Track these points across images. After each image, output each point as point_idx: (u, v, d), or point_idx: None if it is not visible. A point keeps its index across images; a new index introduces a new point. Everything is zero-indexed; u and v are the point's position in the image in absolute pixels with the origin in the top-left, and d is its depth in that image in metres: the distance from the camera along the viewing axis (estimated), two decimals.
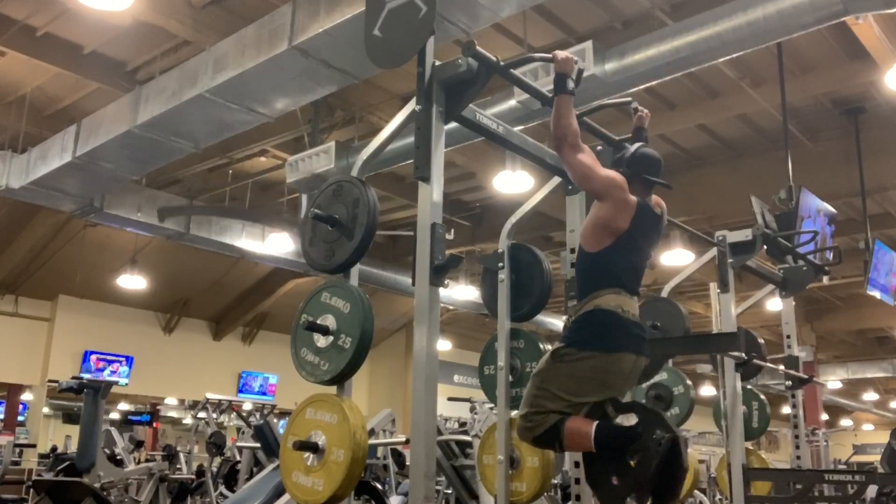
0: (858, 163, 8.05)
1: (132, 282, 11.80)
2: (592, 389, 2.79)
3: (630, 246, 2.90)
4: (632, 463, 2.65)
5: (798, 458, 5.01)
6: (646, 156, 3.00)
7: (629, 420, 2.84)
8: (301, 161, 7.59)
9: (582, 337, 2.81)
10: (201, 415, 8.86)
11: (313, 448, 2.49)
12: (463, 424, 6.16)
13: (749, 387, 5.24)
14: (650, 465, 2.55)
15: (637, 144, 3.07)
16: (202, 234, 9.88)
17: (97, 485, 5.67)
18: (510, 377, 3.46)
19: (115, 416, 13.86)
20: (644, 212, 2.91)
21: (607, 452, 2.70)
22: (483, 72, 2.71)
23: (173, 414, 19.17)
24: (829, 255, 5.49)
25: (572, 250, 3.48)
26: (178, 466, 8.47)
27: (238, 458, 8.07)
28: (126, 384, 13.72)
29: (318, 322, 2.62)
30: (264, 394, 15.51)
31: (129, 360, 13.85)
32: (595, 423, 2.71)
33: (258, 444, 6.51)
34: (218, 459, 8.44)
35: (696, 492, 6.58)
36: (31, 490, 6.65)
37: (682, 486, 2.71)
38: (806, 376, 5.22)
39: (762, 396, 5.31)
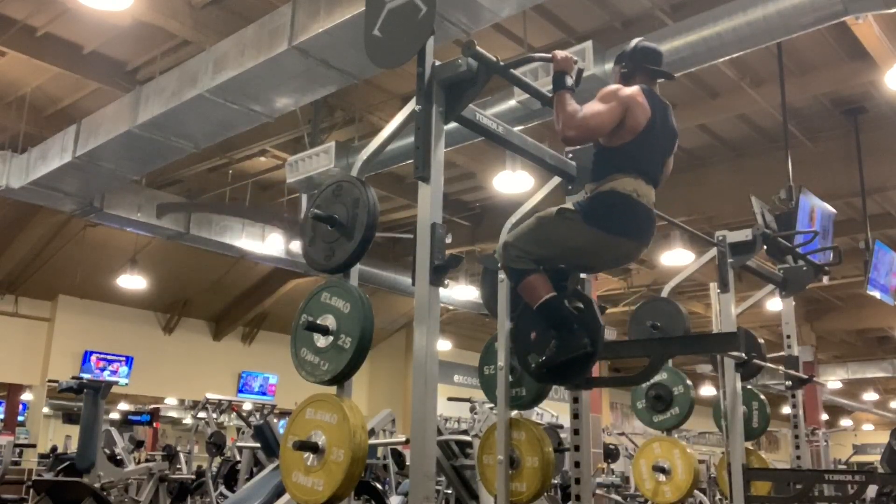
0: (858, 163, 8.05)
1: (132, 282, 11.80)
2: (579, 257, 2.99)
3: (650, 139, 2.93)
4: (552, 341, 2.92)
5: (798, 458, 5.00)
6: (648, 47, 3.09)
7: (575, 306, 3.02)
8: (301, 161, 7.60)
9: (592, 212, 2.88)
10: (201, 415, 8.85)
11: (313, 448, 2.49)
12: (464, 432, 6.15)
13: (749, 387, 5.23)
14: (559, 355, 2.88)
15: (637, 39, 3.15)
16: (202, 234, 9.89)
17: (97, 485, 5.67)
18: (510, 377, 3.46)
19: (115, 416, 13.86)
20: (656, 103, 2.95)
21: (542, 318, 2.95)
22: (483, 72, 2.70)
23: (173, 414, 19.16)
24: (829, 255, 5.49)
25: None
26: (178, 466, 8.47)
27: (238, 458, 8.07)
28: (126, 384, 13.72)
29: (318, 322, 2.61)
30: (264, 394, 15.51)
31: (129, 360, 13.85)
32: (551, 294, 2.89)
33: (258, 444, 6.51)
34: (218, 459, 8.44)
35: (696, 492, 6.58)
36: (31, 490, 6.64)
37: (572, 379, 3.13)
38: (806, 376, 5.22)
39: (762, 396, 5.31)
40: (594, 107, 2.85)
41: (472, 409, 6.86)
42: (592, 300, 3.10)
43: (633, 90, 2.91)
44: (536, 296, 2.90)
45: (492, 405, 4.25)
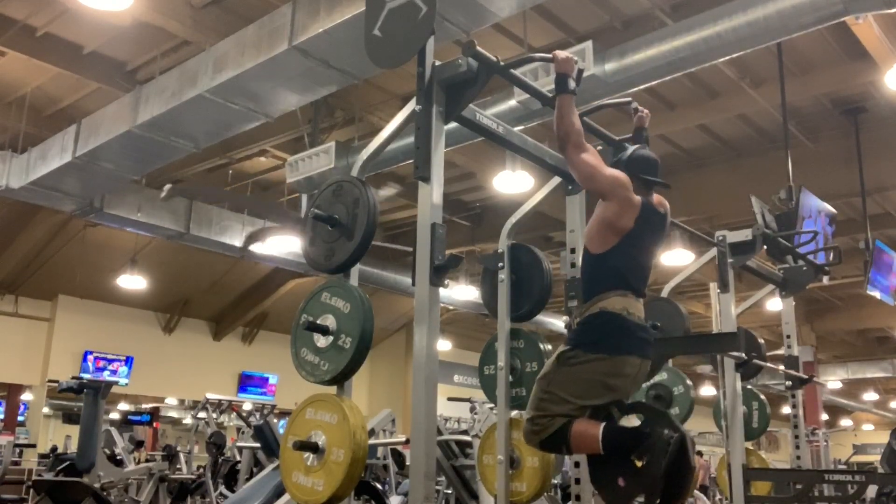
0: (858, 163, 8.05)
1: (132, 282, 11.79)
2: (597, 392, 2.78)
3: (636, 246, 2.89)
4: (638, 464, 2.62)
5: (798, 458, 5.01)
6: (643, 157, 3.00)
7: (634, 421, 2.84)
8: (301, 161, 7.59)
9: (587, 339, 2.80)
10: (201, 415, 8.86)
11: (313, 448, 2.49)
12: (464, 432, 6.15)
13: (749, 387, 5.24)
14: (659, 466, 2.52)
15: (634, 147, 3.08)
16: (202, 234, 9.87)
17: (97, 485, 5.67)
18: (510, 377, 3.46)
19: (115, 416, 13.87)
20: (648, 211, 2.90)
21: (614, 454, 2.67)
22: (483, 72, 2.71)
23: (173, 414, 19.17)
24: (827, 255, 5.49)
25: (572, 250, 3.48)
26: (178, 466, 8.47)
27: (238, 458, 8.07)
28: (126, 384, 13.71)
29: (318, 322, 2.61)
30: (264, 394, 15.51)
31: (129, 360, 13.85)
32: (602, 424, 2.70)
33: (258, 444, 6.51)
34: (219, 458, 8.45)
35: (696, 492, 6.58)
36: (31, 490, 6.65)
37: (691, 486, 2.70)
38: (806, 376, 5.22)
39: (762, 396, 5.31)
40: (596, 163, 2.83)
41: (472, 409, 6.86)
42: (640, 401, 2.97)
43: (634, 197, 2.86)
44: (591, 438, 2.68)
45: (492, 405, 4.25)
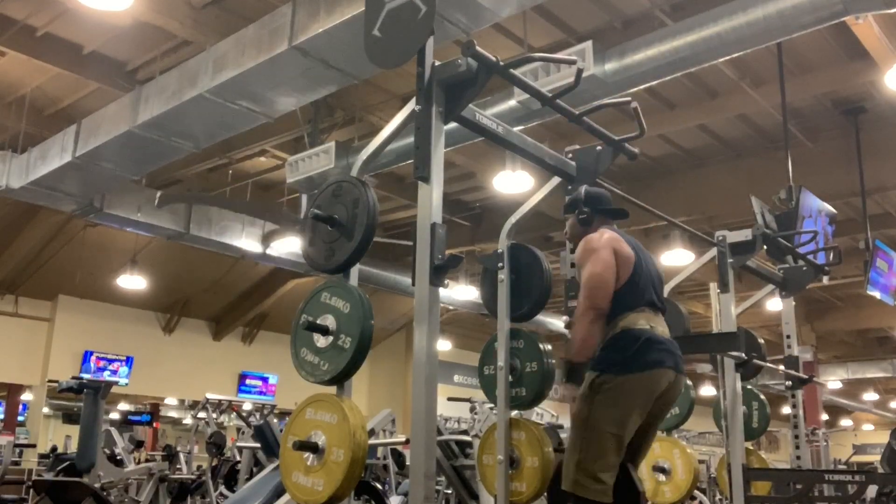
0: (858, 163, 8.05)
1: (132, 282, 11.80)
2: (635, 414, 2.79)
3: (641, 274, 2.97)
4: None
5: (798, 458, 5.00)
6: (595, 192, 3.20)
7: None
8: (301, 161, 7.60)
9: (615, 360, 2.80)
10: (201, 415, 8.85)
11: (313, 448, 2.49)
12: (464, 432, 6.15)
13: (749, 387, 5.23)
14: None
15: (582, 186, 3.26)
16: (202, 234, 9.87)
17: (97, 485, 5.67)
18: (510, 377, 3.46)
19: (115, 416, 13.87)
20: (630, 241, 3.03)
21: None
22: (483, 72, 2.70)
23: (173, 414, 19.17)
24: (827, 255, 5.49)
25: (572, 250, 3.48)
26: (178, 466, 8.47)
27: (238, 458, 8.07)
28: (126, 384, 13.71)
29: (318, 322, 2.61)
30: (264, 394, 15.51)
31: (129, 360, 13.85)
32: None
33: (258, 444, 6.51)
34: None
35: (696, 492, 6.58)
36: (31, 490, 6.65)
37: None
38: (806, 376, 5.22)
39: (762, 396, 5.31)
40: (589, 273, 2.88)
41: (472, 409, 6.85)
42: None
43: (608, 238, 2.96)
44: None
45: (492, 405, 4.25)
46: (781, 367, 5.04)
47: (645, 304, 2.89)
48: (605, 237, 2.97)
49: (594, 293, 2.82)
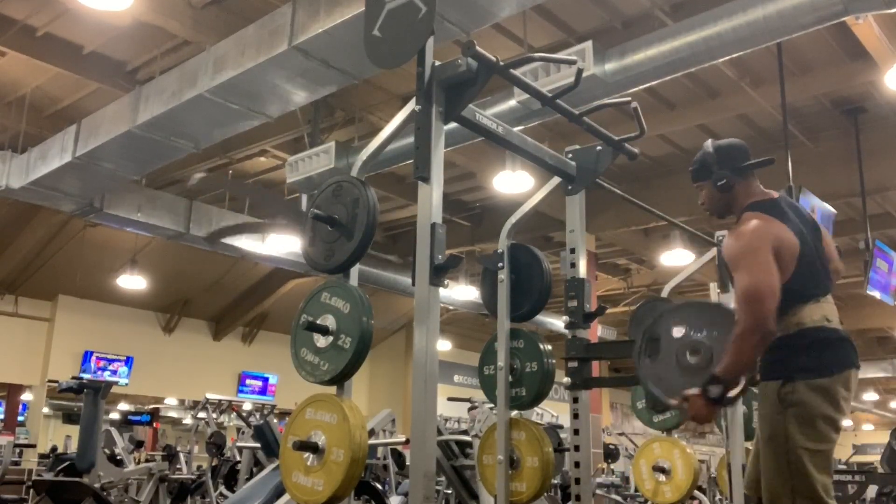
0: (858, 163, 8.05)
1: (132, 282, 11.80)
2: (832, 434, 2.45)
3: (808, 254, 2.54)
4: None
5: None
6: (726, 147, 2.74)
7: None
8: (301, 161, 7.60)
9: (801, 366, 2.43)
10: (201, 415, 8.85)
11: (313, 448, 2.49)
12: (464, 432, 6.15)
13: (749, 387, 5.22)
14: None
15: (707, 142, 2.82)
16: (202, 234, 9.88)
17: (97, 485, 5.67)
18: (510, 377, 3.46)
19: (115, 416, 13.87)
20: (790, 216, 2.57)
21: None
22: (483, 72, 2.70)
23: (173, 414, 19.16)
24: None
25: (572, 250, 3.48)
26: (178, 466, 8.46)
27: (238, 458, 8.07)
28: (126, 384, 13.72)
29: (318, 322, 2.61)
30: (264, 394, 15.51)
31: (129, 361, 13.85)
32: None
33: (258, 444, 6.51)
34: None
35: (696, 492, 6.58)
36: (31, 490, 6.64)
37: None
38: None
39: None
40: (748, 283, 2.36)
41: (472, 409, 6.85)
42: None
43: (765, 230, 2.46)
44: None
45: (492, 405, 4.25)
46: None
47: (818, 289, 2.50)
48: (762, 230, 2.47)
49: (759, 309, 2.31)
